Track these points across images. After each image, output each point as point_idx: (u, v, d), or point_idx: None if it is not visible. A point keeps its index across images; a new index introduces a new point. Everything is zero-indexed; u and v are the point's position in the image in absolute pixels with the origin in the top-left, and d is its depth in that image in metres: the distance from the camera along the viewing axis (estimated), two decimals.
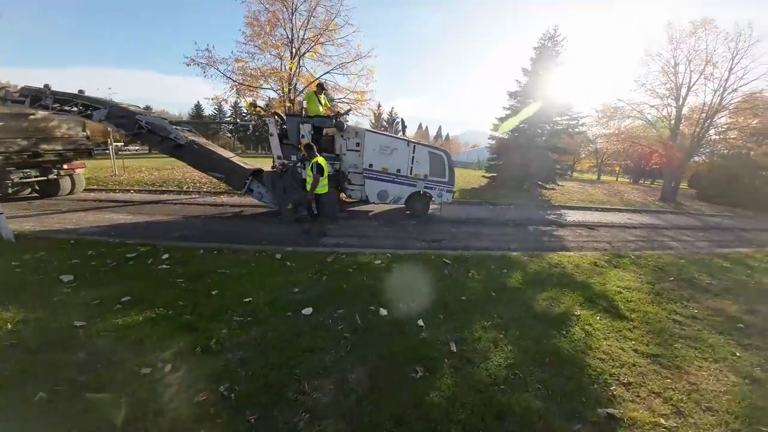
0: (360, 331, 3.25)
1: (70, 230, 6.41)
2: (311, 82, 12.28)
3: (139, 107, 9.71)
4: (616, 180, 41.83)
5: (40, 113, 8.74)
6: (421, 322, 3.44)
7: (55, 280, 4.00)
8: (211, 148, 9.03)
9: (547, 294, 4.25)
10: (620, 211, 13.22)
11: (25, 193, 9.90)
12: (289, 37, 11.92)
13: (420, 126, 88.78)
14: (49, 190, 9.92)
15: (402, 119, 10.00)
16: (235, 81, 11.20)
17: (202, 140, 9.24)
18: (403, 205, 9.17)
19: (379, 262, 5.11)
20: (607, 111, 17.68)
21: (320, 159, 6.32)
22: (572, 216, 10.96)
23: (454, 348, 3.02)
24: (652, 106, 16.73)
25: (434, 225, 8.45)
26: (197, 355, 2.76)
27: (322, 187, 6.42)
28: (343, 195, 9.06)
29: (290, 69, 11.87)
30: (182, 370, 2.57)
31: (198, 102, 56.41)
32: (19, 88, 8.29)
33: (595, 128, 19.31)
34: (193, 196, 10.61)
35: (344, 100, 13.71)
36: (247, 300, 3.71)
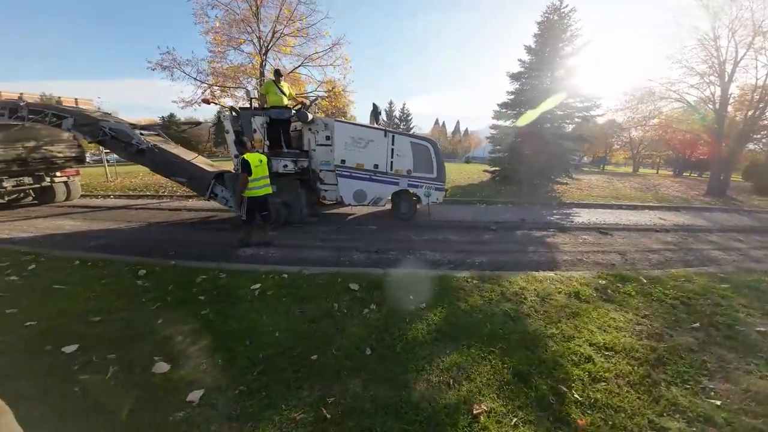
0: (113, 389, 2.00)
1: (8, 239, 5.74)
2: (287, 74, 10.98)
3: (108, 114, 9.15)
4: (657, 173, 35.74)
5: (28, 123, 8.43)
6: (196, 396, 2.03)
7: None
8: (174, 152, 8.11)
9: (455, 359, 2.41)
10: (652, 208, 10.24)
11: (27, 200, 9.83)
12: (256, 32, 10.63)
13: (437, 122, 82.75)
14: (45, 197, 9.76)
15: (375, 104, 8.08)
16: (203, 82, 10.34)
17: (169, 145, 8.40)
18: (388, 207, 7.58)
19: (258, 286, 3.61)
20: (636, 93, 14.22)
21: (251, 155, 5.14)
22: (584, 216, 8.49)
23: None
24: (692, 86, 13.04)
25: (398, 231, 6.64)
26: None
27: (259, 189, 5.23)
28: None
29: (258, 64, 10.69)
30: None
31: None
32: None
33: (622, 113, 15.64)
34: (165, 200, 9.88)
35: (318, 92, 12.26)
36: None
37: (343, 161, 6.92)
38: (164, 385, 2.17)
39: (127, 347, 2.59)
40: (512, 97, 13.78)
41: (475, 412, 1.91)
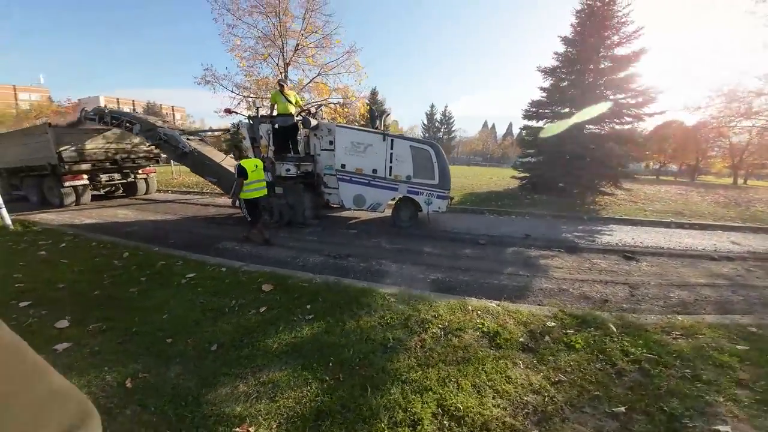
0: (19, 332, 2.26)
1: (72, 224, 7.40)
2: (304, 86, 11.86)
3: (168, 122, 11.02)
4: None
5: (115, 129, 10.64)
6: (61, 347, 2.58)
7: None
8: (209, 155, 9.37)
9: (278, 375, 2.26)
10: (727, 229, 7.81)
11: (118, 193, 12.37)
12: (279, 47, 11.74)
13: (485, 124, 74.34)
14: (130, 190, 12.18)
15: (372, 108, 7.97)
16: (237, 94, 11.73)
17: (207, 149, 9.75)
18: (387, 214, 7.38)
19: (193, 275, 4.03)
20: (724, 89, 11.12)
21: (247, 161, 5.64)
22: (617, 235, 6.94)
23: None
24: None
25: (373, 238, 6.39)
26: None
27: (254, 192, 5.65)
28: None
29: (280, 76, 11.67)
30: None
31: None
32: (88, 107, 10.40)
33: (702, 112, 12.34)
34: (205, 197, 11.38)
35: (333, 99, 12.67)
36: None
37: (343, 165, 6.97)
38: (52, 335, 2.76)
39: (57, 307, 3.20)
40: (546, 94, 11.97)
41: (236, 430, 1.75)
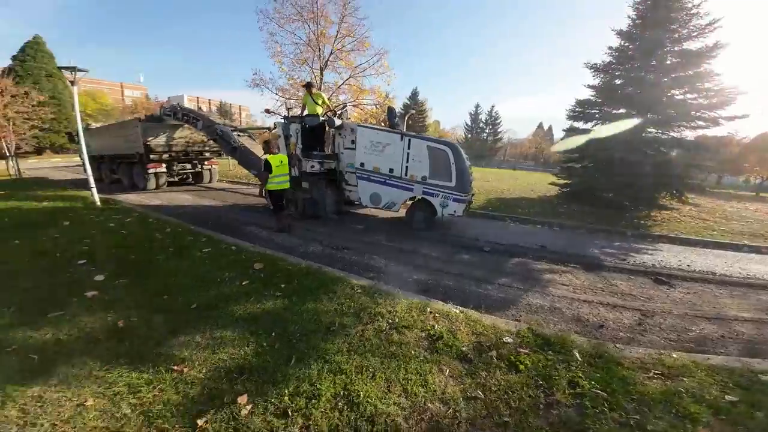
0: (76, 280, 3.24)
1: (142, 204, 9.01)
2: (338, 87, 12.42)
3: (224, 121, 12.52)
4: None
5: (187, 125, 12.46)
6: (90, 294, 3.24)
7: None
8: (253, 150, 10.51)
9: (223, 333, 2.61)
10: None
11: (188, 180, 14.46)
12: (317, 52, 12.51)
13: (541, 125, 65.52)
14: (198, 178, 14.16)
15: (390, 107, 7.98)
16: (280, 96, 12.80)
17: (253, 144, 10.95)
18: (403, 214, 7.41)
19: (208, 250, 4.72)
20: None
21: (273, 157, 6.14)
22: (662, 256, 5.95)
23: None
24: None
25: (377, 235, 6.55)
26: None
27: (278, 185, 6.20)
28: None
29: (316, 79, 12.45)
30: None
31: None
32: (167, 104, 12.26)
33: None
34: (249, 188, 12.64)
35: (366, 101, 12.94)
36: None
37: (362, 164, 7.16)
38: (88, 285, 3.51)
39: (102, 265, 4.08)
40: (594, 92, 10.49)
41: (173, 367, 2.14)
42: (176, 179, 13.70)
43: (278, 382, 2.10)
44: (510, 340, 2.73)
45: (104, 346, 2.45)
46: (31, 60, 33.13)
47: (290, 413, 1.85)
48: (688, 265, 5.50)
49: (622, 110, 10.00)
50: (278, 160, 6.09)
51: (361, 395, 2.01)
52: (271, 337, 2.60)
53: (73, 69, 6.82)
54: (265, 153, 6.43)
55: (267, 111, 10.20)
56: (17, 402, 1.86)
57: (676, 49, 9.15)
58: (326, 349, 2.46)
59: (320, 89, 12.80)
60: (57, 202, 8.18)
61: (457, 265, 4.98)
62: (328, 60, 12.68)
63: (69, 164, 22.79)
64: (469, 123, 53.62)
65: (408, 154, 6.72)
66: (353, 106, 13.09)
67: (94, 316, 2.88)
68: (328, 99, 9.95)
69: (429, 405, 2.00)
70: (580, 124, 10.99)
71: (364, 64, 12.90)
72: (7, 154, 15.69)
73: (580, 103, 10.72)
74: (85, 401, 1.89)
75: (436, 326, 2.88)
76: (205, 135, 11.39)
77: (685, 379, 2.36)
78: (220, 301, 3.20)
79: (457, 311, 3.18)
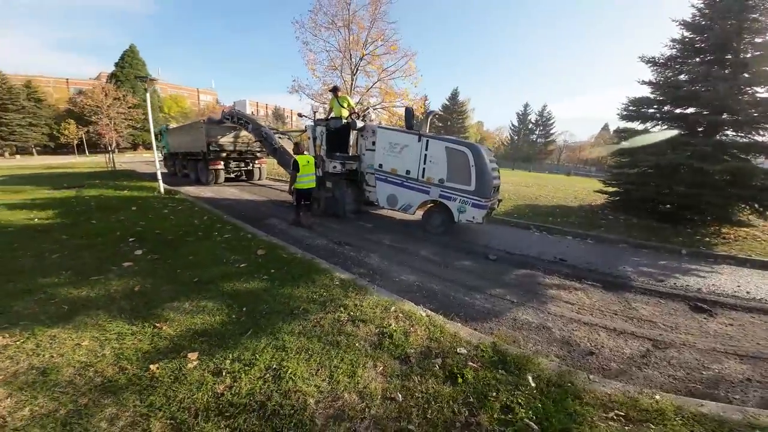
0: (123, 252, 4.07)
1: (196, 196, 10.41)
2: (368, 89, 12.78)
3: (269, 124, 13.69)
4: None
5: (241, 128, 13.93)
6: (127, 263, 3.76)
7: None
8: (289, 151, 11.41)
9: (202, 303, 3.00)
10: None
11: (242, 178, 16.13)
12: (348, 59, 12.92)
13: (606, 127, 57.00)
14: (249, 175, 15.75)
15: (408, 108, 7.77)
16: (314, 100, 13.60)
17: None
18: (420, 217, 7.26)
19: (228, 236, 5.41)
20: None
21: (301, 157, 6.53)
22: (717, 279, 4.95)
23: None
24: None
25: (382, 233, 6.64)
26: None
27: (305, 183, 6.62)
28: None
29: (347, 84, 12.88)
30: None
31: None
32: (227, 109, 13.84)
33: None
34: (287, 185, 13.61)
35: (397, 104, 12.96)
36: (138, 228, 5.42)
37: (380, 165, 7.22)
38: (128, 258, 4.26)
39: (144, 243, 4.93)
40: (652, 89, 8.97)
41: (156, 324, 2.59)
42: (232, 175, 15.36)
43: (228, 348, 2.41)
44: (464, 351, 2.62)
45: (117, 305, 3.04)
46: (128, 66, 40.23)
47: (223, 373, 2.14)
48: (748, 292, 4.59)
49: (689, 109, 8.63)
50: (305, 160, 6.50)
51: (289, 372, 2.20)
52: (241, 312, 2.96)
53: (144, 78, 8.25)
54: (294, 153, 6.93)
55: (300, 115, 10.98)
56: (36, 339, 2.45)
57: (757, 40, 7.62)
58: (280, 328, 2.71)
59: (351, 93, 13.37)
60: (133, 192, 9.90)
61: (453, 271, 4.84)
62: (358, 65, 13.21)
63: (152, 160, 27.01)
64: (516, 124, 49.76)
65: (425, 155, 6.57)
66: (382, 108, 13.42)
67: (121, 281, 3.55)
68: (358, 102, 10.35)
69: (345, 395, 2.08)
70: (635, 125, 9.73)
71: (391, 66, 13.26)
72: (109, 149, 19.23)
73: (635, 102, 9.49)
74: (82, 342, 2.42)
75: (393, 325, 2.91)
76: (254, 136, 12.68)
77: (652, 426, 2.01)
78: (217, 277, 3.69)
79: (423, 314, 3.15)
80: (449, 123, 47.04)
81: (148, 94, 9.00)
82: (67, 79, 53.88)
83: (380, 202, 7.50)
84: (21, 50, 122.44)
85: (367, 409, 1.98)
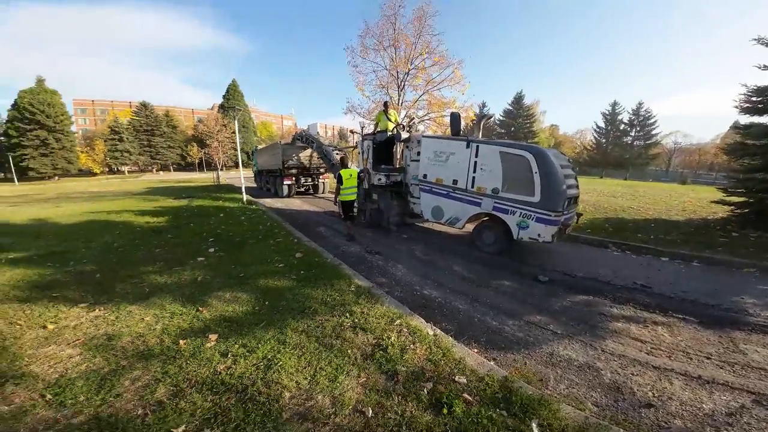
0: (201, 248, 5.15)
1: (268, 206, 12.03)
2: (415, 102, 12.66)
3: (329, 142, 14.92)
4: None
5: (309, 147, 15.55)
6: (201, 260, 4.69)
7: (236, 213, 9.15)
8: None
9: (235, 293, 3.54)
10: None
11: (310, 191, 17.85)
12: (395, 77, 13.12)
13: (737, 124, 41.97)
14: (315, 189, 17.36)
15: (454, 113, 7.26)
16: (365, 118, 14.17)
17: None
18: (469, 231, 6.61)
19: (280, 240, 6.16)
20: None
21: (344, 170, 6.87)
22: None
23: None
24: None
25: (415, 244, 6.44)
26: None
27: (346, 195, 6.81)
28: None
29: (394, 99, 12.96)
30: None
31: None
32: (297, 131, 15.62)
33: None
34: None
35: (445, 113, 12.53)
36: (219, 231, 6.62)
37: (425, 176, 6.84)
38: (203, 254, 5.29)
39: (218, 242, 6.03)
40: None
41: (199, 308, 3.21)
42: (302, 189, 17.20)
43: (241, 334, 2.82)
44: (463, 381, 2.34)
45: (181, 290, 3.81)
46: (232, 98, 49.20)
47: (228, 355, 2.51)
48: None
49: None
50: (348, 174, 6.76)
51: (279, 364, 2.44)
52: (263, 305, 3.39)
53: (234, 108, 10.06)
54: (340, 168, 7.49)
55: (351, 132, 11.73)
56: (118, 312, 3.27)
57: None
58: (288, 324, 3.01)
59: (399, 108, 13.76)
60: (225, 202, 12.01)
61: (487, 291, 4.30)
62: (405, 80, 13.56)
63: (249, 176, 31.98)
64: (602, 125, 42.05)
65: (475, 162, 5.90)
66: (430, 120, 13.43)
67: (191, 272, 4.42)
68: (406, 116, 10.62)
69: (319, 397, 2.15)
70: (764, 119, 7.53)
71: (437, 77, 13.32)
72: (218, 167, 23.65)
73: (759, 92, 7.40)
74: (145, 317, 3.14)
75: (393, 338, 2.84)
76: (317, 154, 14.09)
77: None
78: (258, 274, 4.29)
79: (430, 332, 2.98)
80: (513, 129, 43.67)
81: (236, 122, 10.98)
82: (192, 109, 69.87)
83: (425, 215, 7.08)
84: (160, 85, 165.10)
85: (332, 416, 2.00)
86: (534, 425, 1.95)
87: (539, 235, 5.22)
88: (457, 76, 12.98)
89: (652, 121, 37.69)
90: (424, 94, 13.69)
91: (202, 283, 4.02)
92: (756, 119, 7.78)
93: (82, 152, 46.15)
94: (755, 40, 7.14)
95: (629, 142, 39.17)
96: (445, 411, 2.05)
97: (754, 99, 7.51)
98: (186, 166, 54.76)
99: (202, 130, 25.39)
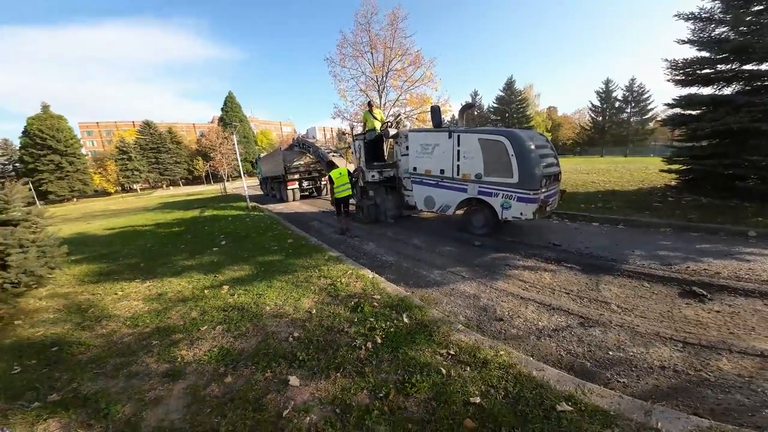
0: (210, 244, 6.70)
1: (271, 209, 13.59)
2: (394, 102, 14.13)
3: (328, 145, 16.33)
4: None
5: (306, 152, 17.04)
6: (214, 251, 6.24)
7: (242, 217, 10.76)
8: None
9: (242, 271, 5.05)
10: None
11: (313, 194, 19.22)
12: (375, 80, 14.57)
13: None
14: (317, 192, 18.74)
15: (434, 106, 7.58)
16: (351, 120, 15.60)
17: (341, 162, 14.20)
18: (459, 216, 7.02)
19: (276, 233, 7.60)
20: None
21: (333, 171, 7.58)
22: (751, 264, 4.23)
23: None
24: None
25: (401, 230, 7.56)
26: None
27: (340, 193, 7.32)
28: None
29: (378, 100, 14.40)
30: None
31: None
32: (295, 137, 17.11)
33: None
34: None
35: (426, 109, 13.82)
36: (227, 232, 8.17)
37: (414, 168, 7.21)
38: (216, 245, 6.88)
39: (227, 238, 7.62)
40: (699, 47, 7.48)
41: (215, 289, 4.73)
42: (306, 192, 18.50)
43: (243, 285, 4.30)
44: (378, 297, 3.65)
45: (203, 268, 5.33)
46: (230, 110, 51.00)
47: (235, 295, 4.01)
48: None
49: (754, 65, 7.24)
50: (338, 173, 7.40)
51: (265, 295, 3.92)
52: (260, 270, 4.88)
53: (230, 124, 11.66)
54: (329, 170, 8.49)
55: (343, 133, 13.15)
56: (162, 282, 4.82)
57: None
58: (274, 278, 4.50)
59: (381, 107, 15.08)
60: (232, 210, 13.65)
61: (431, 254, 5.46)
62: (384, 82, 14.92)
63: (255, 184, 33.81)
64: (598, 103, 41.73)
65: (458, 151, 6.25)
66: (413, 117, 14.74)
67: (209, 257, 5.95)
68: (390, 114, 11.95)
69: (286, 307, 3.63)
70: (695, 90, 8.29)
71: (413, 75, 14.67)
72: (224, 178, 25.53)
73: (698, 62, 8.00)
74: (181, 283, 4.68)
75: (343, 280, 4.23)
76: (315, 157, 15.53)
77: (469, 369, 2.38)
78: (257, 254, 5.80)
79: (369, 276, 4.39)
80: (507, 115, 43.93)
81: (235, 137, 12.60)
82: (194, 124, 72.37)
83: (418, 205, 7.42)
84: (160, 101, 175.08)
85: (292, 313, 3.49)
86: (404, 316, 3.21)
87: (521, 213, 5.57)
88: (428, 75, 14.26)
89: (646, 96, 37.37)
90: (402, 94, 15.02)
91: (217, 263, 5.54)
92: (684, 90, 8.69)
93: (95, 173, 48.85)
94: (676, 14, 8.09)
95: (626, 118, 38.98)
96: (358, 310, 3.42)
97: (683, 71, 8.39)
98: (194, 180, 57.50)
99: (205, 144, 27.40)
